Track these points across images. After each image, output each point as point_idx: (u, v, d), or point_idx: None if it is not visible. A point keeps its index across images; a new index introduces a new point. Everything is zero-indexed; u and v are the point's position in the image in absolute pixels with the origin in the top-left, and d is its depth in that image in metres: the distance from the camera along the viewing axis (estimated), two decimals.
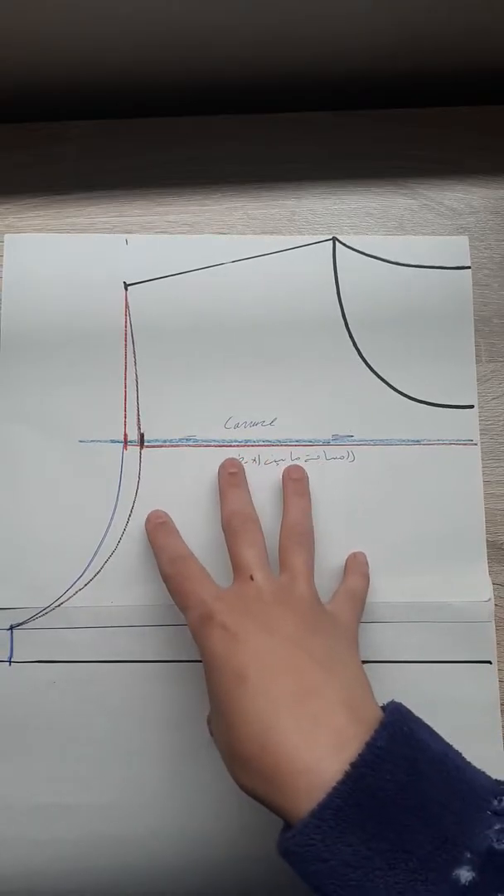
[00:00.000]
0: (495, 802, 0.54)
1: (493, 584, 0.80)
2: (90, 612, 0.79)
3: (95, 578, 0.80)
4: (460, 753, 0.58)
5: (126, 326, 0.83)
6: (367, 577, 0.78)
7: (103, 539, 0.80)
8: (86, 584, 0.80)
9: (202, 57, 0.85)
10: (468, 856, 0.51)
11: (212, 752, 0.72)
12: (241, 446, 0.82)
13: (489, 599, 0.79)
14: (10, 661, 0.79)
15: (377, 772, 0.53)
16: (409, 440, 0.82)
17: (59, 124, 0.89)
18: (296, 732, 0.56)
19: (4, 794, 0.78)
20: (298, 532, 0.75)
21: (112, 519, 0.80)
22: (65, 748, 0.79)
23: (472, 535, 0.81)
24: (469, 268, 0.86)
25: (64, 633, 0.79)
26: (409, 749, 0.55)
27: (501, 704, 0.78)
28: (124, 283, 0.84)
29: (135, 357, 0.83)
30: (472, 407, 0.84)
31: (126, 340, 0.83)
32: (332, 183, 0.88)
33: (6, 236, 0.86)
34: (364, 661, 0.71)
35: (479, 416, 0.83)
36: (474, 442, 0.83)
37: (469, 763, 0.58)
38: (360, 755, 0.53)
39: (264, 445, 0.82)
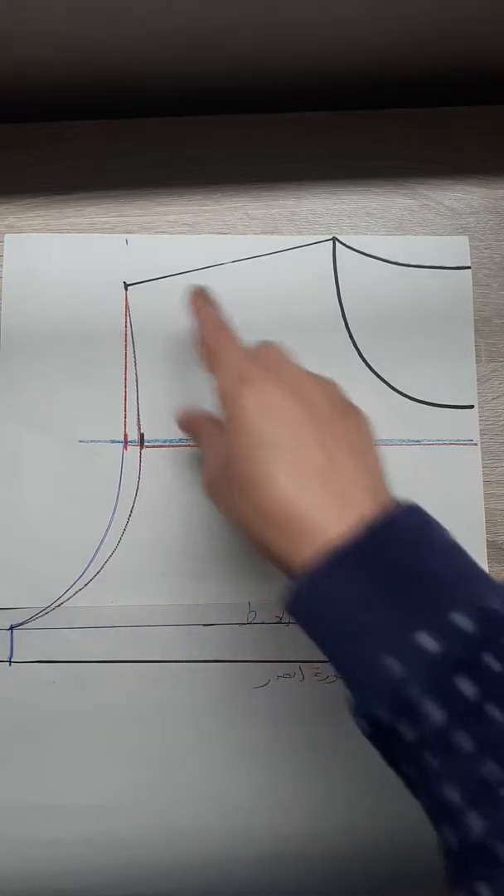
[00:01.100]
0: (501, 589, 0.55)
1: None
2: (90, 613, 0.79)
3: (95, 578, 0.80)
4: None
5: (126, 326, 0.84)
6: None
7: (103, 539, 0.80)
8: (86, 584, 0.80)
9: (202, 57, 0.85)
10: (468, 608, 0.52)
11: (211, 752, 0.73)
12: None
13: None
14: (10, 661, 0.79)
15: (390, 535, 0.56)
16: (409, 440, 0.83)
17: (59, 124, 0.89)
18: (322, 500, 0.57)
19: (3, 793, 0.79)
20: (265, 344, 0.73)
21: (112, 519, 0.81)
22: (64, 748, 0.79)
23: (472, 534, 0.81)
24: (469, 268, 0.86)
25: (64, 633, 0.79)
26: (422, 527, 0.58)
27: None
28: (124, 283, 0.84)
29: (135, 357, 0.83)
30: (472, 407, 0.84)
31: (126, 340, 0.83)
32: (332, 183, 0.88)
33: (6, 236, 0.86)
34: None
35: (480, 416, 0.84)
36: (474, 442, 0.83)
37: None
38: (376, 519, 0.56)
39: None
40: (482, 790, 0.50)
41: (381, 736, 0.55)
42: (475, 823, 0.50)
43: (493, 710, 0.50)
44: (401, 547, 0.55)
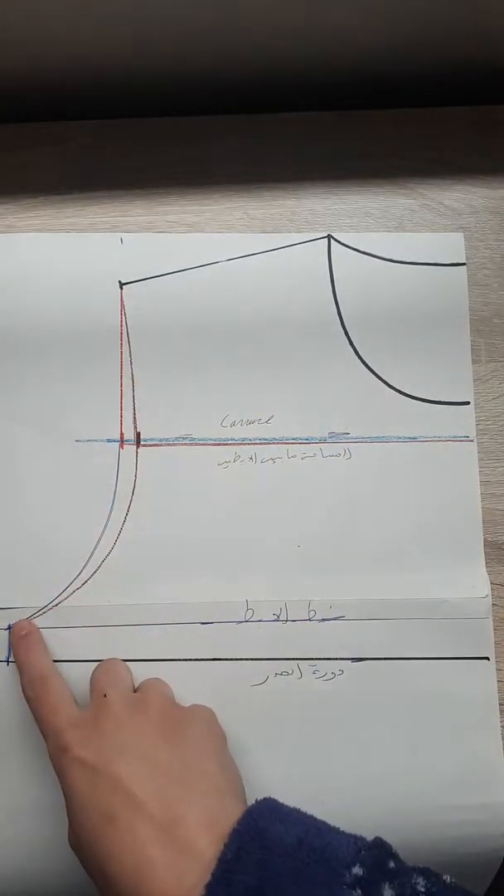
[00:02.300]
0: (347, 875, 0.55)
1: (494, 584, 0.80)
2: (87, 612, 0.79)
3: (92, 578, 0.80)
4: (323, 826, 0.61)
5: (121, 325, 0.84)
6: None
7: (100, 538, 0.80)
8: (83, 584, 0.80)
9: (202, 57, 0.85)
10: None
11: None
12: (237, 444, 0.82)
13: (486, 596, 0.79)
14: (7, 661, 0.79)
15: (231, 885, 0.54)
16: (405, 437, 0.82)
17: (59, 124, 0.89)
18: (163, 866, 0.56)
19: (2, 793, 0.78)
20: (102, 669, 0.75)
21: (109, 518, 0.80)
22: None
23: (470, 530, 0.81)
24: (464, 264, 0.86)
25: (61, 633, 0.79)
26: (259, 850, 0.56)
27: (501, 704, 0.79)
28: (119, 282, 0.84)
29: (130, 356, 0.83)
30: (468, 403, 0.84)
31: (122, 339, 0.83)
32: (332, 183, 0.88)
33: (0, 236, 0.86)
34: (362, 659, 0.72)
35: (480, 416, 0.84)
36: (470, 438, 0.83)
37: (332, 832, 0.60)
38: (212, 875, 0.54)
39: (260, 444, 0.82)
40: None
41: None
42: None
43: None
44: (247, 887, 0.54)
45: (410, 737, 0.79)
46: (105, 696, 0.69)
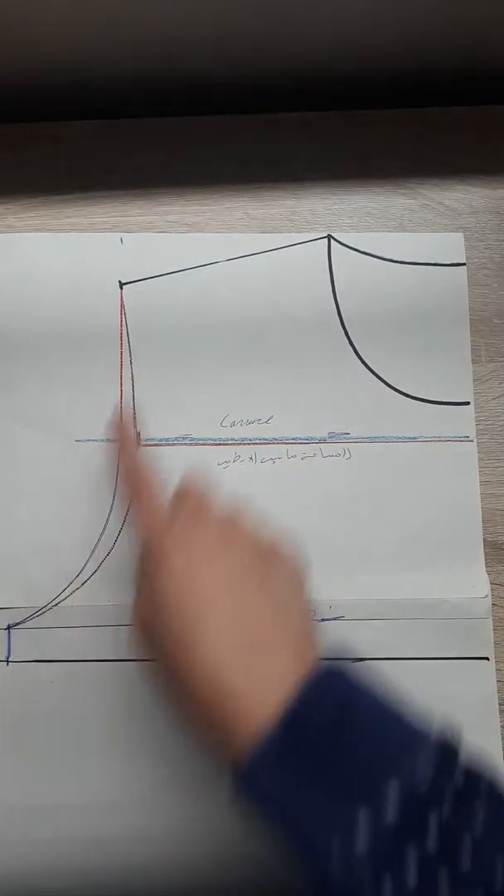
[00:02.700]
0: (428, 731, 0.57)
1: (494, 584, 0.80)
2: (87, 612, 0.79)
3: (92, 577, 0.80)
4: (401, 701, 0.59)
5: (121, 325, 0.84)
6: None
7: (100, 538, 0.80)
8: (83, 584, 0.80)
9: (202, 57, 0.85)
10: (398, 779, 0.53)
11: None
12: (237, 444, 0.82)
13: (486, 596, 0.79)
14: (7, 661, 0.79)
15: (311, 710, 0.56)
16: (405, 437, 0.82)
17: (59, 124, 0.89)
18: (245, 679, 0.58)
19: (2, 793, 0.79)
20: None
21: (108, 518, 0.80)
22: (62, 747, 0.79)
23: (469, 530, 0.81)
24: (464, 264, 0.86)
25: (61, 633, 0.79)
26: (344, 688, 0.58)
27: (501, 704, 0.79)
28: (119, 282, 0.84)
29: (130, 356, 0.83)
30: (468, 404, 0.84)
31: (122, 339, 0.83)
32: (332, 183, 0.88)
33: (0, 236, 0.86)
34: (362, 659, 0.72)
35: (480, 416, 0.83)
36: (470, 439, 0.83)
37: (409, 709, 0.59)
38: (298, 696, 0.56)
39: (260, 443, 0.82)
40: None
41: None
42: None
43: (425, 876, 0.51)
44: (327, 719, 0.56)
45: None
46: (198, 504, 0.69)
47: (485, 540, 0.81)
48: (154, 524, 0.67)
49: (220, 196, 0.88)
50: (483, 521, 0.82)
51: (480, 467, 0.83)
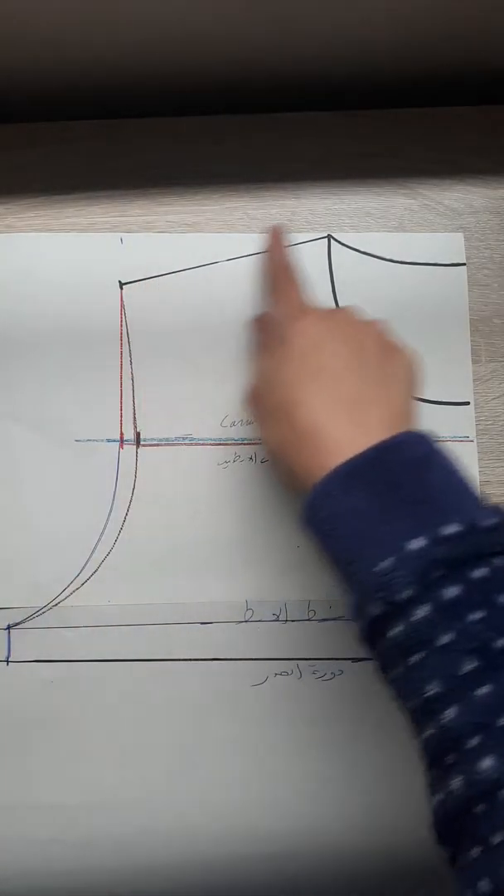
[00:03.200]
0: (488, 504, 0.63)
1: None
2: (87, 612, 0.80)
3: (92, 577, 0.80)
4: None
5: (121, 325, 0.84)
6: None
7: (100, 538, 0.80)
8: (83, 584, 0.80)
9: (202, 57, 0.85)
10: (458, 522, 0.59)
11: (209, 750, 0.73)
12: (238, 444, 0.82)
13: None
14: (7, 661, 0.79)
15: (396, 456, 0.63)
16: None
17: (59, 124, 0.89)
18: (347, 426, 0.65)
19: (2, 793, 0.79)
20: None
21: (109, 517, 0.81)
22: (63, 747, 0.79)
23: None
24: (464, 265, 0.86)
25: (61, 633, 0.79)
26: (426, 452, 0.64)
27: None
28: (119, 282, 0.84)
29: (130, 356, 0.83)
30: (468, 404, 0.84)
31: (122, 339, 0.83)
32: (331, 183, 0.88)
33: (0, 236, 0.86)
34: (358, 660, 0.73)
35: (480, 416, 0.84)
36: (470, 439, 0.83)
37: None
38: (385, 442, 0.63)
39: (259, 443, 0.82)
40: (460, 685, 0.55)
41: (374, 638, 0.60)
42: (452, 715, 0.55)
43: (474, 612, 0.56)
44: (404, 467, 0.62)
45: (408, 736, 0.79)
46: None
47: None
48: (292, 309, 0.76)
49: (220, 196, 0.88)
50: None
51: (480, 467, 0.83)
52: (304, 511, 0.64)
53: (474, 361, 0.85)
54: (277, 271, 0.81)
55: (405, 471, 0.62)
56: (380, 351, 0.71)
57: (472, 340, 0.85)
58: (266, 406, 0.71)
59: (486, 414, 0.84)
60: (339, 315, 0.74)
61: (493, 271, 0.87)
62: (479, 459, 0.83)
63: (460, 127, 0.89)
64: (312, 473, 0.63)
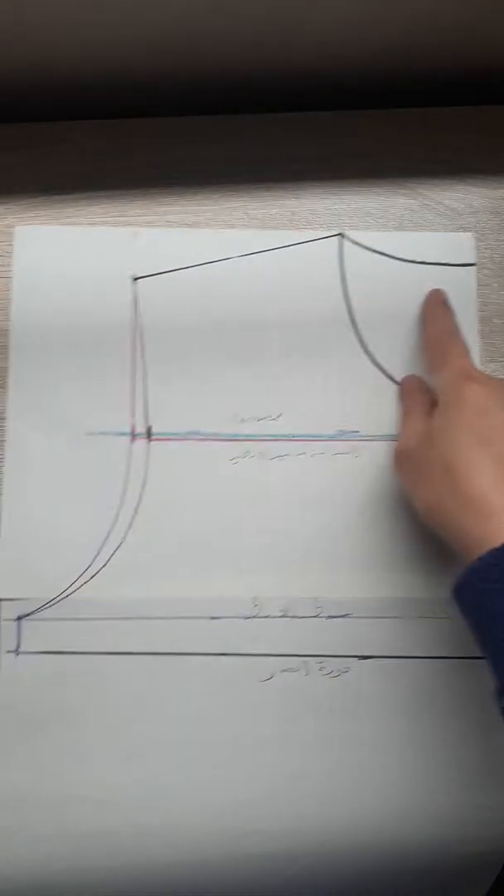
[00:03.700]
0: None
1: None
2: (97, 604, 0.80)
3: (102, 570, 0.80)
4: None
5: (134, 320, 0.84)
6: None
7: (111, 531, 0.80)
8: (93, 576, 0.80)
9: (202, 57, 0.85)
10: None
11: (215, 745, 0.74)
12: (247, 440, 0.82)
13: None
14: (17, 652, 0.79)
15: None
16: None
17: (59, 124, 0.89)
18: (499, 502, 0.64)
19: (10, 785, 0.79)
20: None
21: (119, 511, 0.81)
22: (71, 739, 0.79)
23: None
24: (474, 265, 0.87)
25: (71, 625, 0.80)
26: None
27: None
28: (133, 276, 0.84)
29: (143, 350, 0.83)
30: None
31: (134, 334, 0.83)
32: (331, 183, 0.88)
33: (17, 228, 0.86)
34: (366, 657, 0.72)
35: None
36: None
37: None
38: None
39: (270, 440, 0.82)
40: None
41: None
42: None
43: None
44: None
45: (415, 735, 0.79)
46: None
47: None
48: (459, 373, 0.74)
49: (219, 196, 0.88)
50: None
51: None
52: (464, 578, 0.64)
53: (479, 358, 0.85)
54: (442, 336, 0.81)
55: None
56: None
57: None
58: (422, 465, 0.72)
59: None
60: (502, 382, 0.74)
61: (493, 271, 0.87)
62: None
63: (460, 127, 0.89)
64: (475, 540, 0.63)
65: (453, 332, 0.80)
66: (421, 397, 0.79)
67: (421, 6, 0.79)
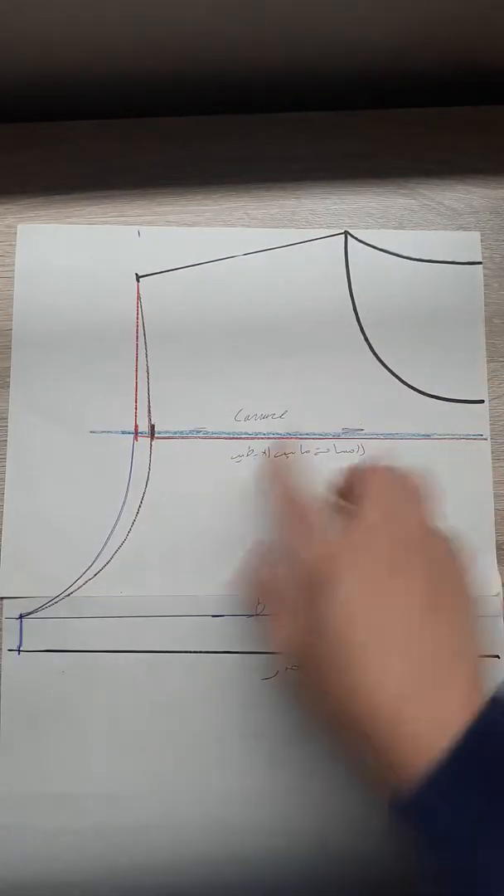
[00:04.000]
0: None
1: None
2: (99, 602, 0.80)
3: (105, 569, 0.80)
4: None
5: (138, 318, 0.84)
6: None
7: (113, 529, 0.80)
8: (95, 575, 0.80)
9: (202, 57, 0.85)
10: None
11: (219, 743, 0.73)
12: (251, 439, 0.82)
13: (498, 594, 0.80)
14: (19, 650, 0.79)
15: (482, 745, 0.55)
16: (418, 434, 0.83)
17: (59, 124, 0.89)
18: (415, 700, 0.57)
19: (12, 782, 0.79)
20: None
21: (122, 509, 0.81)
22: (73, 737, 0.79)
23: (482, 528, 0.82)
24: (480, 263, 0.87)
25: (73, 623, 0.79)
26: None
27: None
28: (136, 274, 0.85)
29: (146, 348, 0.83)
30: (482, 402, 0.84)
31: (137, 332, 0.83)
32: (331, 183, 0.88)
33: (19, 227, 0.86)
34: None
35: None
36: (484, 437, 0.83)
37: None
38: (469, 730, 0.55)
39: (274, 438, 0.82)
40: None
41: None
42: None
43: None
44: (498, 755, 0.55)
45: None
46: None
47: (497, 539, 0.82)
48: (318, 548, 0.64)
49: (219, 196, 0.88)
50: (495, 521, 0.82)
51: None
52: (396, 809, 0.57)
53: (485, 357, 0.85)
54: (289, 508, 0.70)
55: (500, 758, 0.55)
56: (430, 589, 0.62)
57: None
58: (306, 664, 0.64)
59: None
60: (378, 547, 0.64)
61: (493, 271, 0.87)
62: None
63: (460, 127, 0.89)
64: (391, 770, 0.57)
65: (298, 498, 0.71)
66: (276, 591, 0.70)
67: (421, 6, 0.79)
